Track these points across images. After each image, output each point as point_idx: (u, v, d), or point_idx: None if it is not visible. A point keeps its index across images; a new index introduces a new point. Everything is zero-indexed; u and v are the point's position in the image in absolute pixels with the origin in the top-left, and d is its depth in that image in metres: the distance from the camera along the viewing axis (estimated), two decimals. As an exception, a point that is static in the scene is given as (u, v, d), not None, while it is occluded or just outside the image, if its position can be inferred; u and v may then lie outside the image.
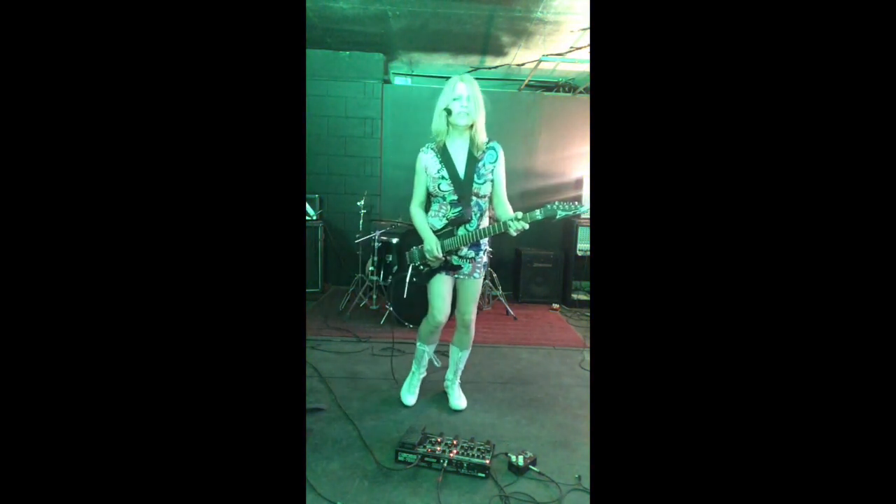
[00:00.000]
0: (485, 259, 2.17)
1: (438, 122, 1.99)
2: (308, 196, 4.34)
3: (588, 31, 3.49)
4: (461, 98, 1.94)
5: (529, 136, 4.76)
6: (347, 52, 4.48)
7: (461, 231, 2.04)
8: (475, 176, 2.01)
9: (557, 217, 1.90)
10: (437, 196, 2.07)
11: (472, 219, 2.05)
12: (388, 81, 4.81)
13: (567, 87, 4.92)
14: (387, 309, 3.62)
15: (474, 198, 2.04)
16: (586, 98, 4.74)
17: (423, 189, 2.09)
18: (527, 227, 1.89)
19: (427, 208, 2.14)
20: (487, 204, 2.10)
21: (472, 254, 2.10)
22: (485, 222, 2.07)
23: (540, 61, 4.18)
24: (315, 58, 4.42)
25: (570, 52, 3.95)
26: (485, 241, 2.13)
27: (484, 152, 2.02)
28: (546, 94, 4.94)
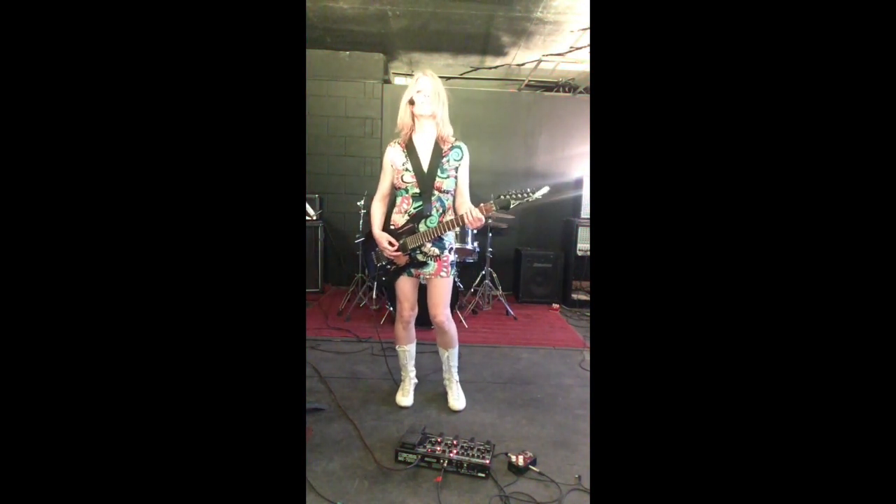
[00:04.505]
0: (451, 257, 2.15)
1: (403, 114, 2.05)
2: (308, 196, 4.34)
3: (588, 31, 3.49)
4: (423, 90, 2.00)
5: (529, 136, 4.76)
6: (347, 52, 4.48)
7: (422, 227, 2.05)
8: (438, 170, 2.04)
9: (511, 206, 1.91)
10: (399, 189, 2.10)
11: (432, 213, 2.05)
12: (388, 81, 4.81)
13: (567, 87, 4.92)
14: (387, 309, 3.62)
15: (436, 192, 2.05)
16: (586, 98, 4.75)
17: (387, 183, 2.14)
18: (482, 217, 1.91)
19: (393, 204, 2.17)
20: (450, 201, 2.11)
21: (436, 251, 2.09)
22: (447, 219, 2.05)
23: (540, 61, 4.18)
24: (315, 58, 4.42)
25: (570, 52, 3.96)
26: (450, 240, 2.13)
27: (450, 149, 2.06)
28: (546, 94, 4.94)
